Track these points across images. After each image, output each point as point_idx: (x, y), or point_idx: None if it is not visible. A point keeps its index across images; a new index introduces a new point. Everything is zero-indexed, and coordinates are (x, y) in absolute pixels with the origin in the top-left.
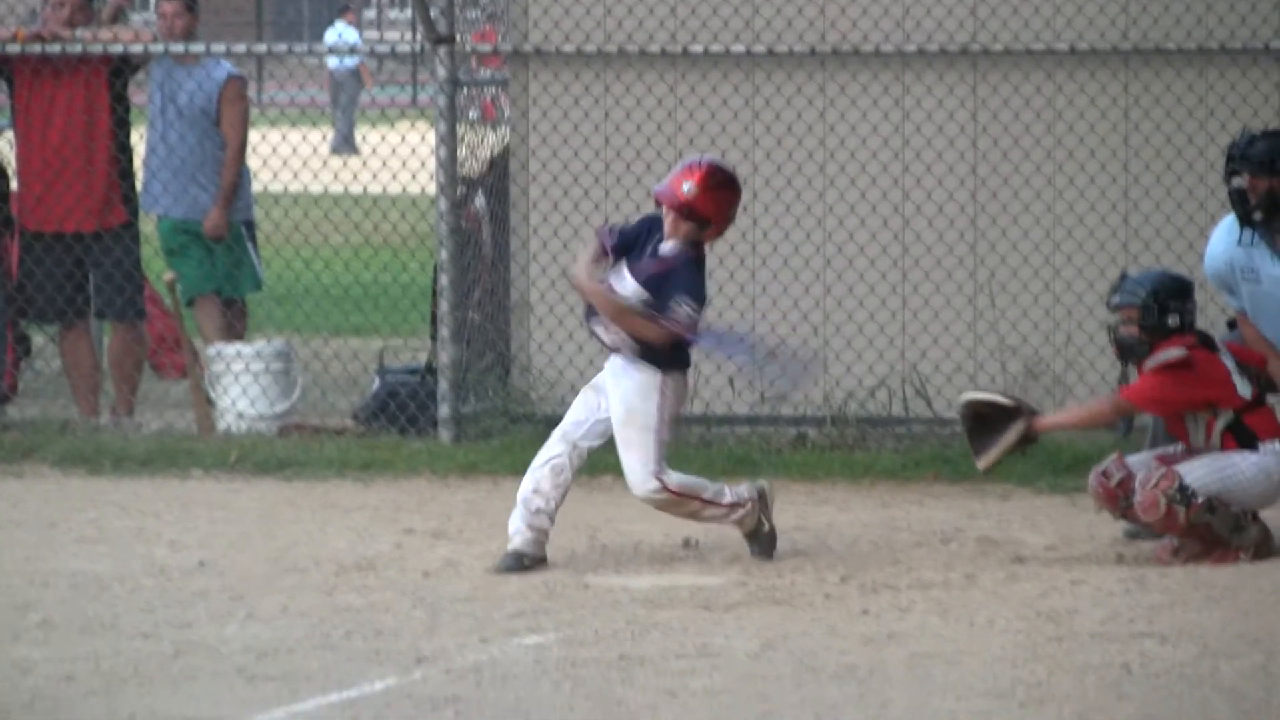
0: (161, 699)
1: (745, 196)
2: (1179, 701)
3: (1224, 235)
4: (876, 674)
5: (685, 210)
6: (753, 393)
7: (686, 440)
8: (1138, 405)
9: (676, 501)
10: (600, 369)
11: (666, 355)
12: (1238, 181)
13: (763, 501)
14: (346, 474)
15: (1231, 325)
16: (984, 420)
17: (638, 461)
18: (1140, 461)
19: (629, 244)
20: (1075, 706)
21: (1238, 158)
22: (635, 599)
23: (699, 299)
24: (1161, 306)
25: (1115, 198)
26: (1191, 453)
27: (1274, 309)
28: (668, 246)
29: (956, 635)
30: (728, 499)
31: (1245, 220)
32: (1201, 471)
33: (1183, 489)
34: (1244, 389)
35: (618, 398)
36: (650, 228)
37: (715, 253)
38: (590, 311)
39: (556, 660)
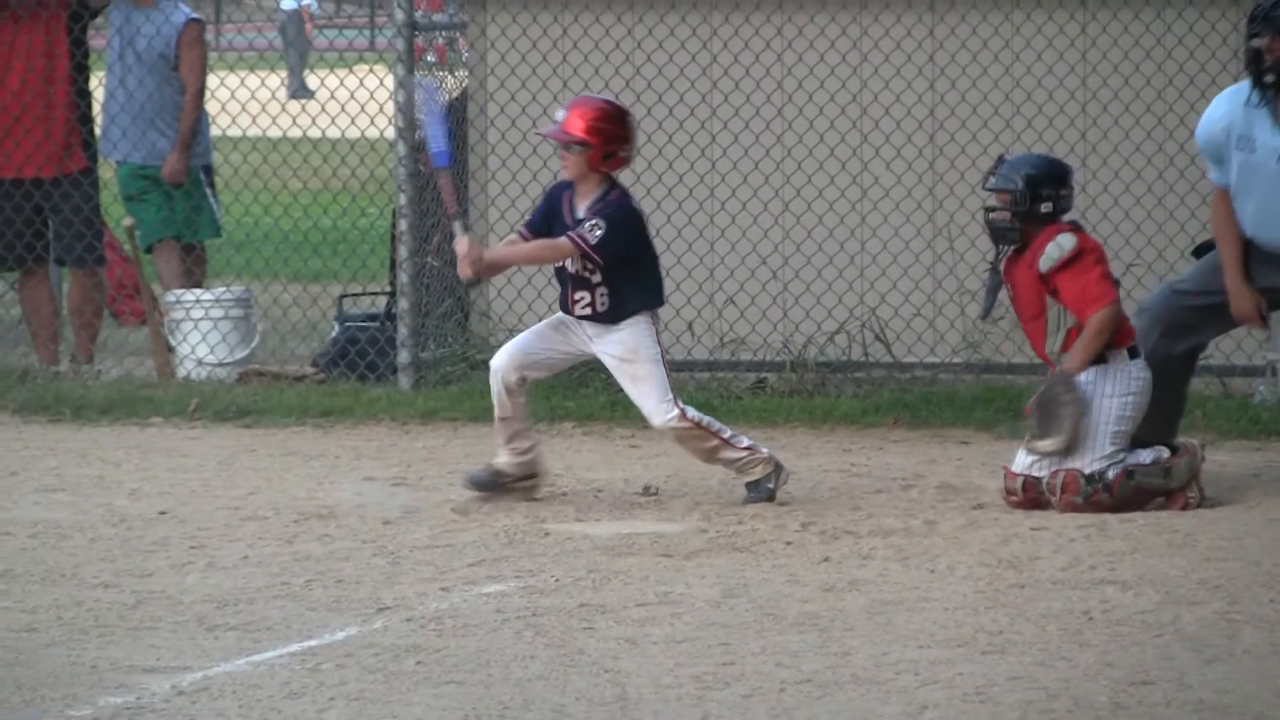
0: (122, 649)
1: (703, 141)
2: (1141, 649)
3: (1226, 100)
4: (838, 622)
5: (564, 137)
6: (712, 338)
7: None
8: (1102, 306)
9: (696, 434)
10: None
11: (642, 297)
12: (1256, 42)
13: (776, 471)
14: (306, 421)
15: (1197, 254)
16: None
17: (653, 393)
18: (1021, 459)
19: (544, 221)
20: (1036, 654)
21: (1261, 18)
22: (596, 546)
23: (615, 232)
24: (1034, 193)
25: (1073, 140)
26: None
27: (1265, 181)
28: (588, 196)
29: (917, 582)
30: (745, 443)
31: (1257, 82)
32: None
33: (1089, 478)
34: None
35: (614, 341)
36: (554, 195)
37: (673, 195)
38: (563, 304)
39: (517, 609)
